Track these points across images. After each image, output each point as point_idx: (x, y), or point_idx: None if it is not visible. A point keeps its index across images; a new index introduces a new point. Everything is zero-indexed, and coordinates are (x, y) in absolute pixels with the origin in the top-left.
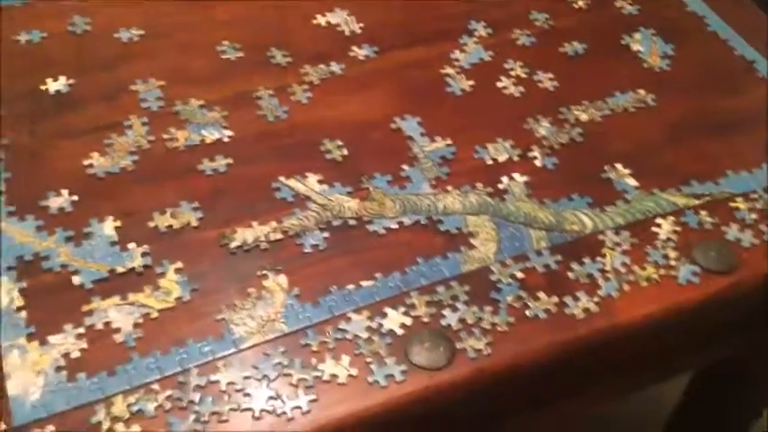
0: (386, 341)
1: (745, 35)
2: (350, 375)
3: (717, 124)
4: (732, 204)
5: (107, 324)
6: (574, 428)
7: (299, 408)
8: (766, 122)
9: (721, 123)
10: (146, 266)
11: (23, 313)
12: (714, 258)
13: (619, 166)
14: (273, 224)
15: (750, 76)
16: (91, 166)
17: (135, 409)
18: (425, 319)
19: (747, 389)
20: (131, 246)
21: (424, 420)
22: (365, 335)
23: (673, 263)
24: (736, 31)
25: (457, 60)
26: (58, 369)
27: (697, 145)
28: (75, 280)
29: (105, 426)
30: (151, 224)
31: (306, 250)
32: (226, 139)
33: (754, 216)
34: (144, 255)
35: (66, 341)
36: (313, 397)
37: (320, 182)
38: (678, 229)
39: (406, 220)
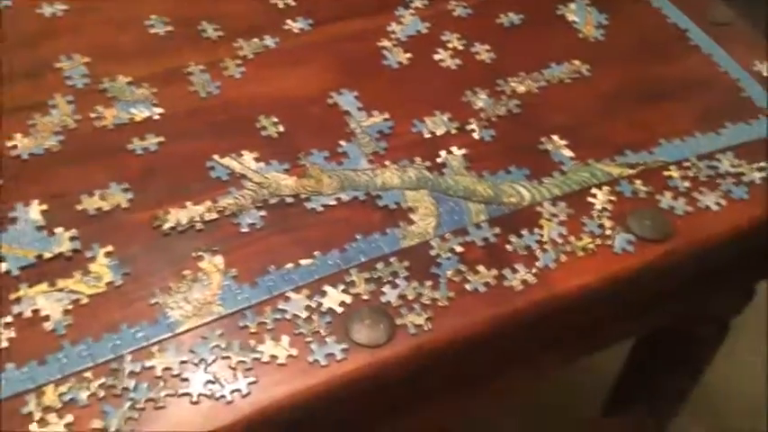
0: (326, 320)
1: (678, 3)
2: (290, 356)
3: (651, 93)
4: (666, 173)
5: (36, 312)
6: (517, 398)
7: (238, 390)
8: (699, 91)
9: (655, 92)
10: (75, 251)
11: None
12: (648, 227)
13: (555, 137)
14: (208, 204)
15: (683, 45)
16: (14, 147)
17: (67, 398)
18: (365, 297)
19: (687, 354)
20: (59, 230)
21: (365, 397)
22: (305, 314)
23: (608, 232)
24: None
25: (393, 33)
26: None
27: (631, 114)
28: (2, 267)
29: (36, 416)
30: (79, 207)
31: (242, 230)
32: (156, 117)
33: (687, 184)
34: (72, 239)
35: None
36: (252, 379)
37: (256, 159)
38: (613, 198)
39: (344, 197)
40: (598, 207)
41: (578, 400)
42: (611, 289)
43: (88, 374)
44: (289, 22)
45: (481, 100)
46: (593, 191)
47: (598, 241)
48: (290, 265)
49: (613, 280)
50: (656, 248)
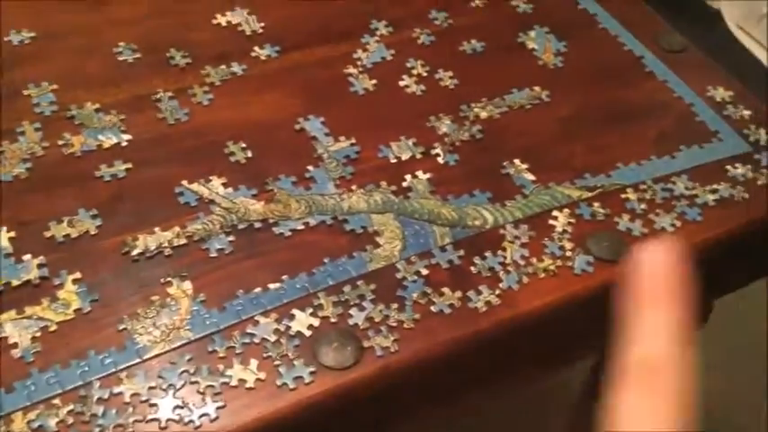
0: (294, 343)
1: (635, 31)
2: (258, 379)
3: (608, 118)
4: (623, 195)
5: (3, 339)
6: (486, 416)
7: (206, 415)
8: (655, 115)
9: (613, 117)
10: (42, 278)
11: None
12: (607, 248)
13: (517, 161)
14: (177, 229)
15: (639, 71)
16: None
17: (36, 425)
18: (333, 320)
19: None
20: (27, 257)
21: (334, 419)
22: (273, 338)
23: (568, 254)
24: (626, 27)
25: (359, 60)
26: None
27: (590, 138)
28: None
29: None
30: (47, 234)
31: (211, 255)
32: (124, 144)
33: (643, 206)
34: (40, 266)
35: None
36: (221, 403)
37: (224, 185)
38: (573, 221)
39: (312, 221)
40: (559, 229)
41: (545, 414)
42: (572, 308)
43: (57, 401)
44: (256, 48)
45: (445, 125)
46: (554, 213)
47: (559, 262)
48: (258, 290)
49: (574, 299)
50: (614, 268)
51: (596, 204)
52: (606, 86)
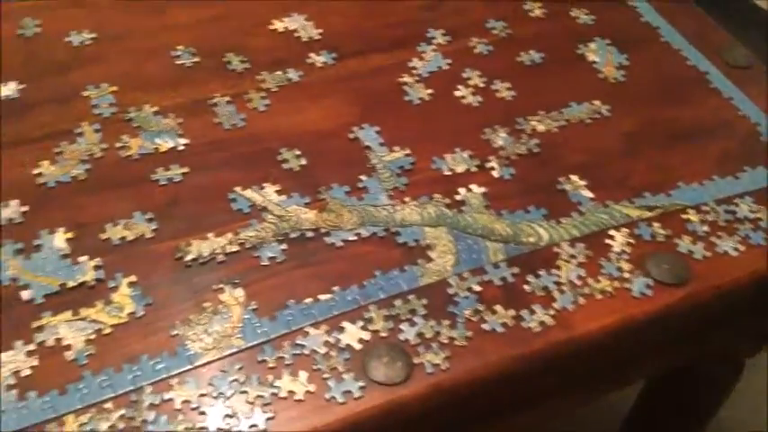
0: (344, 356)
1: (699, 46)
2: (307, 392)
3: (670, 135)
4: (684, 216)
5: (58, 340)
6: None
7: (255, 426)
8: (718, 134)
9: (674, 135)
10: (98, 280)
11: None
12: (667, 271)
13: (574, 177)
14: (230, 236)
15: (702, 87)
16: (41, 174)
17: (87, 428)
18: (383, 334)
19: (698, 395)
20: (83, 259)
21: None
22: (323, 350)
23: (626, 275)
24: (690, 41)
25: (415, 68)
26: (9, 387)
27: (650, 156)
28: (25, 294)
29: None
30: (103, 236)
31: (263, 263)
32: (181, 148)
33: (705, 228)
34: (96, 268)
35: (17, 358)
36: (270, 414)
37: (278, 192)
38: (632, 241)
39: (364, 232)
40: (616, 249)
41: None
42: (629, 332)
43: (108, 405)
44: (312, 55)
45: (501, 138)
46: (612, 233)
47: (616, 284)
48: (309, 300)
49: (632, 323)
50: (675, 292)
51: (656, 225)
52: (669, 102)
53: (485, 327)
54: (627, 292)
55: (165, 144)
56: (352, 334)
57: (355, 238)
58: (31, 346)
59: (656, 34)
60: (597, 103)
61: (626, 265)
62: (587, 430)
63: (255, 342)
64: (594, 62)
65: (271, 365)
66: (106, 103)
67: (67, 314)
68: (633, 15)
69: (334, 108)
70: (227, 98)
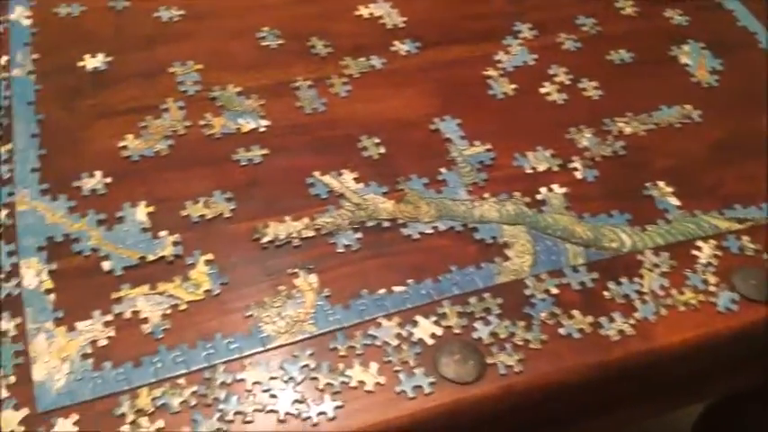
0: (415, 350)
1: None
2: (377, 383)
3: (763, 145)
4: None
5: (135, 313)
6: None
7: (324, 413)
8: None
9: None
10: (176, 256)
11: (52, 296)
12: (754, 287)
13: (661, 183)
14: (306, 221)
15: None
16: (125, 148)
17: (160, 402)
18: (456, 330)
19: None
20: (163, 233)
21: None
22: (395, 342)
23: (712, 288)
24: None
25: (500, 62)
26: (85, 356)
27: (742, 166)
28: (105, 265)
29: (129, 418)
30: (183, 212)
31: (338, 250)
32: (262, 129)
33: None
34: (175, 244)
35: (94, 328)
36: (339, 403)
37: (356, 180)
38: (719, 253)
39: (441, 226)
40: (703, 261)
41: None
42: (712, 347)
43: (181, 381)
44: (396, 43)
45: (586, 138)
46: (699, 243)
47: (701, 297)
48: (382, 291)
49: (715, 338)
50: (761, 310)
51: (745, 238)
52: (763, 111)
53: (561, 331)
54: (712, 306)
55: (247, 125)
56: (425, 328)
57: (432, 231)
58: (109, 317)
59: (753, 40)
60: (688, 107)
61: (712, 278)
62: None
63: (327, 329)
64: (687, 65)
65: (342, 354)
66: (191, 80)
67: (145, 288)
68: (729, 19)
69: (415, 98)
70: (310, 82)
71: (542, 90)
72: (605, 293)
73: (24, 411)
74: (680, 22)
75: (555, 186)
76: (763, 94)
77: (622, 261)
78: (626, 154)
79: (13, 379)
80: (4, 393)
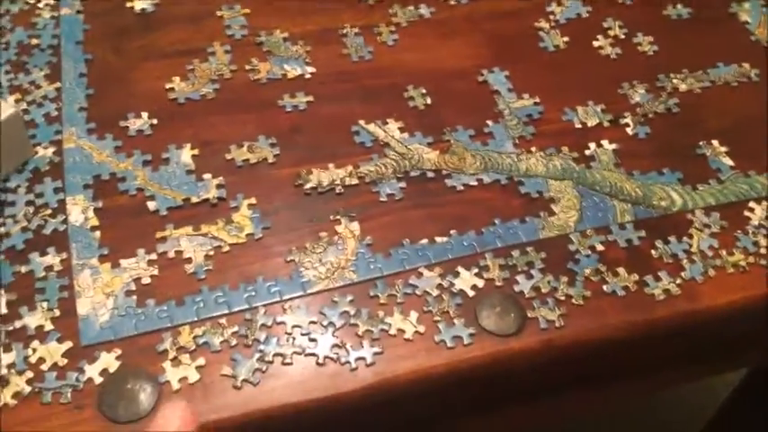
0: (456, 301)
1: None
2: (416, 332)
3: None
4: None
5: (179, 253)
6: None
7: (362, 359)
8: None
9: None
10: (220, 199)
11: (97, 233)
12: None
13: (715, 142)
14: (350, 168)
15: None
16: (172, 90)
17: (201, 341)
18: (498, 283)
19: None
20: (207, 176)
21: (486, 385)
22: (435, 292)
23: (763, 251)
24: None
25: (552, 14)
26: (129, 293)
27: None
28: (151, 205)
29: (171, 355)
30: (228, 156)
31: (381, 199)
32: (308, 76)
33: None
34: (219, 187)
35: (138, 266)
36: (378, 350)
37: (401, 129)
38: None
39: (486, 178)
40: (755, 223)
41: (683, 416)
42: (760, 310)
43: (223, 321)
44: None
45: (639, 94)
46: (752, 205)
47: (751, 259)
48: (424, 241)
49: (763, 301)
50: None
51: None
52: None
53: (605, 288)
54: (762, 268)
55: (293, 71)
56: (466, 280)
57: (476, 183)
58: (153, 256)
59: None
60: (746, 66)
61: (764, 241)
62: (683, 412)
63: (368, 277)
64: (747, 23)
65: (382, 302)
66: (238, 24)
67: (189, 229)
68: None
69: (463, 49)
70: (357, 29)
71: (595, 44)
72: (652, 252)
73: (68, 344)
74: None
75: (605, 142)
76: None
77: (672, 220)
78: (679, 111)
79: (57, 312)
80: (49, 326)
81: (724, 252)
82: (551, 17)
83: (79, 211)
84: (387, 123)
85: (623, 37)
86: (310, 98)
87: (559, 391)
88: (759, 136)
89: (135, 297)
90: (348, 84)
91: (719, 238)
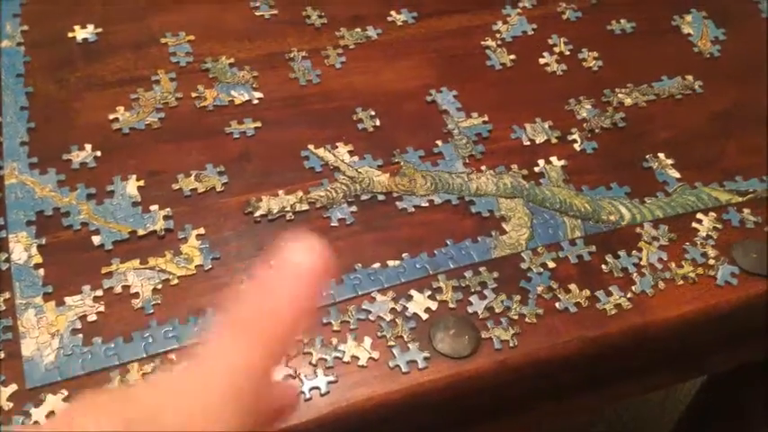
0: (410, 325)
1: None
2: (371, 358)
3: (765, 117)
4: None
5: (126, 288)
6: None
7: (317, 388)
8: None
9: None
10: (167, 230)
11: (41, 271)
12: (755, 260)
13: (661, 155)
14: (300, 194)
15: None
16: (116, 120)
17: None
18: (451, 305)
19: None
20: (154, 208)
21: (443, 408)
22: (389, 317)
23: (711, 262)
24: None
25: (499, 32)
26: (74, 332)
27: (744, 138)
28: (96, 240)
29: None
30: (175, 186)
31: (332, 224)
32: (255, 101)
33: None
34: (166, 218)
35: (84, 303)
36: (332, 378)
37: (350, 152)
38: (719, 226)
39: (437, 199)
40: (702, 234)
41: (648, 423)
42: (710, 321)
43: (173, 356)
44: (392, 13)
45: (585, 110)
46: (699, 216)
47: (700, 270)
48: (376, 265)
49: (714, 313)
50: (761, 284)
51: (746, 211)
52: (765, 82)
53: (557, 305)
54: (711, 279)
55: (240, 97)
56: (420, 303)
57: (427, 204)
58: (99, 292)
59: (756, 10)
60: (690, 78)
61: (711, 252)
62: (648, 418)
63: (321, 304)
64: (689, 35)
65: (335, 329)
66: (183, 51)
67: (136, 262)
68: None
69: (411, 69)
70: (304, 53)
71: (542, 61)
72: (603, 267)
73: (13, 387)
74: None
75: (553, 159)
76: (766, 66)
77: (621, 234)
78: (626, 125)
79: (1, 354)
80: None
81: (673, 264)
82: (497, 35)
83: (22, 248)
84: (336, 147)
85: (568, 53)
86: (258, 124)
87: (519, 407)
88: (704, 147)
89: (81, 335)
90: (296, 108)
91: (668, 250)
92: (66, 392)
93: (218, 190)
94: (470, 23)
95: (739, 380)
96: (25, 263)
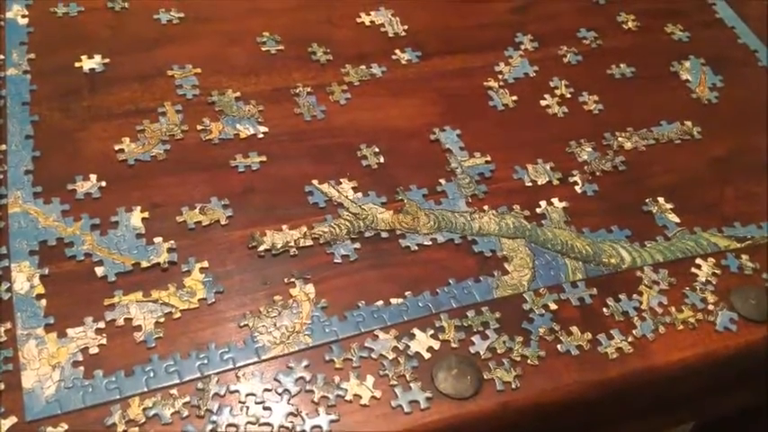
0: (412, 364)
1: None
2: (373, 397)
3: (763, 164)
4: None
5: (128, 320)
6: None
7: (318, 427)
8: None
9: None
10: (171, 263)
11: (43, 302)
12: (753, 306)
13: (661, 199)
14: (304, 229)
15: None
16: (122, 151)
17: (151, 413)
18: (454, 345)
19: None
20: (158, 240)
21: None
22: (391, 355)
23: (711, 307)
24: None
25: (501, 73)
26: (76, 364)
27: (742, 184)
28: (99, 271)
29: (120, 429)
30: (179, 219)
31: (336, 260)
32: (260, 136)
33: None
34: (170, 250)
35: (86, 335)
36: (334, 417)
37: (354, 189)
38: (718, 272)
39: (440, 238)
40: (702, 279)
41: None
42: (710, 366)
43: (174, 391)
44: (397, 52)
45: (586, 152)
46: (698, 261)
47: (699, 315)
48: (380, 303)
49: (713, 358)
50: (760, 330)
51: (744, 257)
52: (763, 129)
53: (559, 348)
54: (710, 325)
55: (246, 131)
56: (422, 342)
57: (430, 243)
58: (101, 324)
59: (754, 58)
60: (688, 123)
61: (711, 297)
62: None
63: (323, 341)
64: (688, 81)
65: (338, 366)
66: (189, 84)
67: (138, 295)
68: (730, 36)
69: (415, 107)
70: (309, 89)
71: (543, 102)
72: (604, 310)
73: (12, 419)
74: (681, 38)
75: (555, 200)
76: (763, 112)
77: (621, 277)
78: (626, 169)
79: (1, 386)
80: None
81: (673, 309)
82: (500, 76)
83: (24, 278)
84: (340, 183)
85: (569, 96)
86: (263, 158)
87: None
88: (703, 192)
89: (82, 368)
90: (301, 143)
91: (668, 294)
92: (65, 426)
93: (222, 223)
94: (473, 64)
95: (732, 423)
96: (27, 293)
